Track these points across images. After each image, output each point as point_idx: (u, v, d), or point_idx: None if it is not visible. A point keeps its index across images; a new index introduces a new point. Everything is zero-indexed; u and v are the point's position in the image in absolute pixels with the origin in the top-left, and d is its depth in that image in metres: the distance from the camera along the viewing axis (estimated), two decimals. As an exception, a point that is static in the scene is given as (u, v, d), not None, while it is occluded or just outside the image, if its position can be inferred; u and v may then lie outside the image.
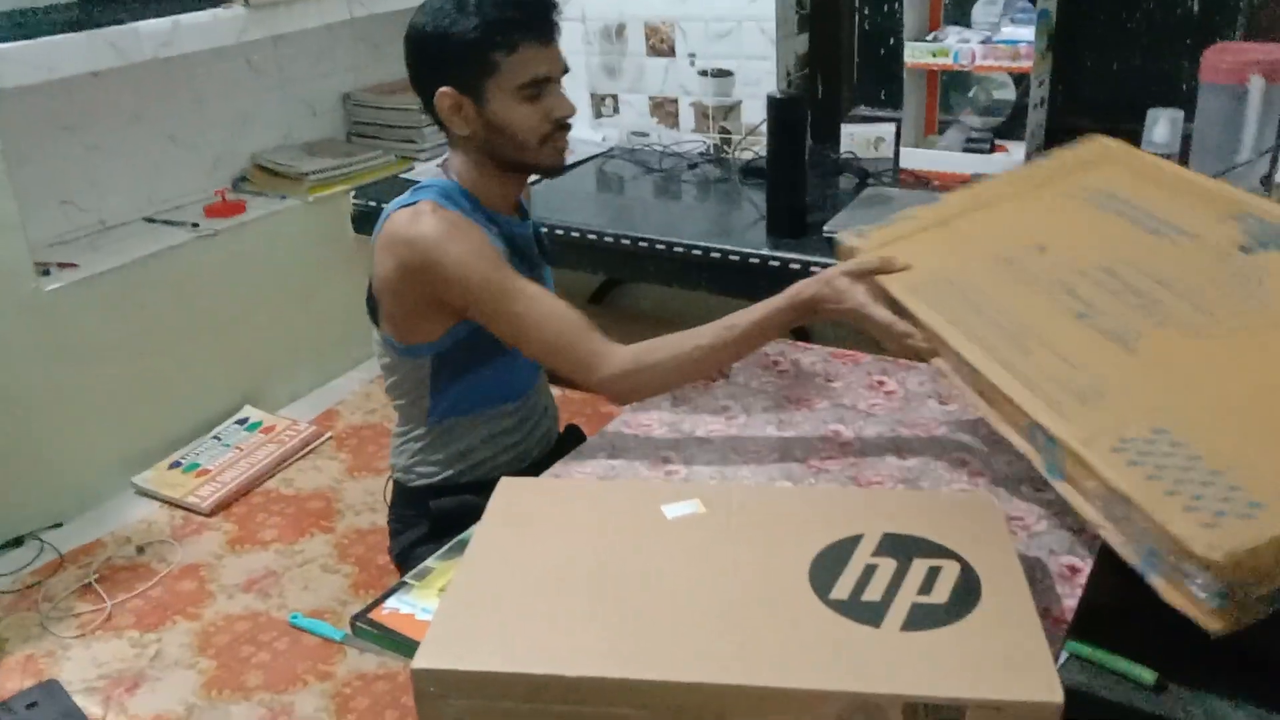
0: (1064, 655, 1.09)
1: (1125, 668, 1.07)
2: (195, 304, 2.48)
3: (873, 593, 0.89)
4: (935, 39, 2.22)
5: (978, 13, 2.24)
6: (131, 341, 2.36)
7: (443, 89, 1.35)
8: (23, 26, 2.13)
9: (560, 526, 1.02)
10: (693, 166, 2.51)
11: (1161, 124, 2.04)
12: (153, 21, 2.25)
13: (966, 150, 2.24)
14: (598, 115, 2.69)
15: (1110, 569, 1.08)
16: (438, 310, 1.38)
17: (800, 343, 1.59)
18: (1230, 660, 1.07)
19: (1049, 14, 2.14)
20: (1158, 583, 0.86)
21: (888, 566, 0.93)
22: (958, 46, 2.15)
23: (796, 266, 1.96)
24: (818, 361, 1.52)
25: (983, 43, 2.14)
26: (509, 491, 1.09)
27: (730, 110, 2.55)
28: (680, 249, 2.09)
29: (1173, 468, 0.88)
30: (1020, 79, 2.26)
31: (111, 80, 2.35)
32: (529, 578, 0.94)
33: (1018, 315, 1.11)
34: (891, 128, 2.38)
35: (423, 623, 1.04)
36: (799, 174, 2.01)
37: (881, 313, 1.19)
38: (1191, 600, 0.83)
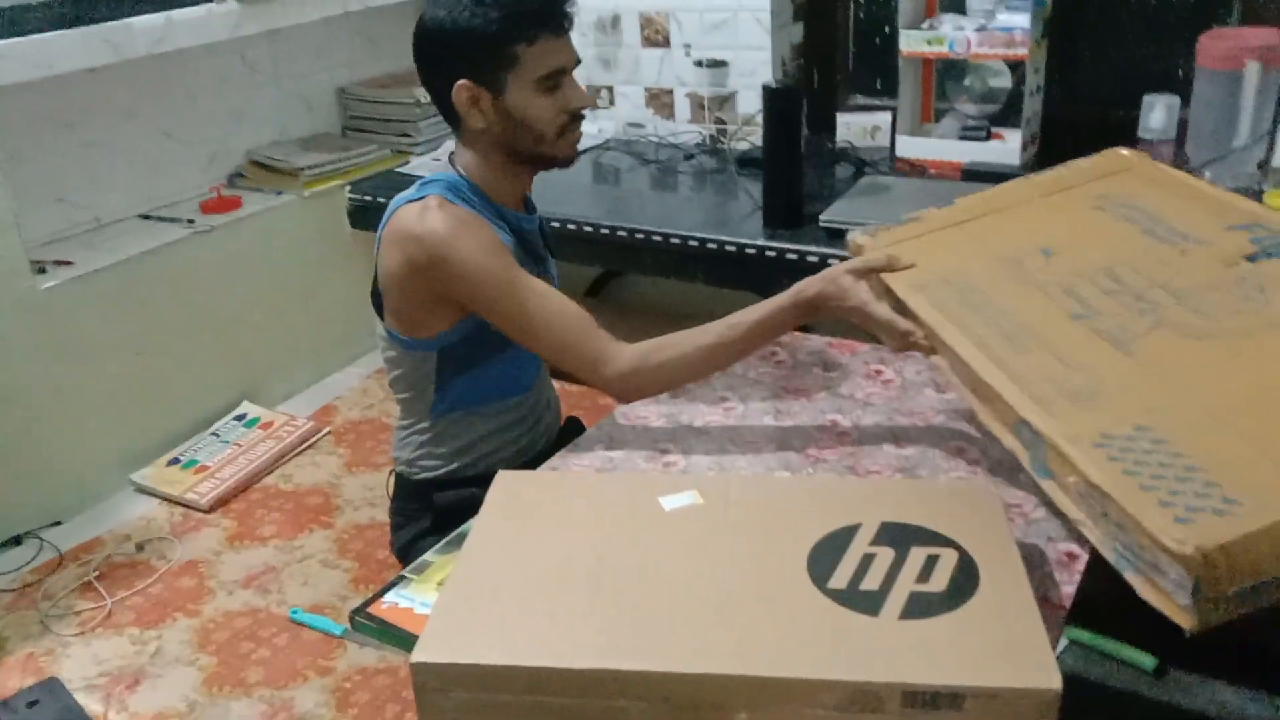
0: (1064, 642, 1.10)
1: (1125, 653, 1.07)
2: (192, 300, 2.47)
3: (871, 582, 0.90)
4: (930, 27, 2.21)
5: (973, 0, 2.24)
6: (128, 339, 2.36)
7: (461, 82, 1.34)
8: (16, 23, 2.12)
9: (558, 519, 1.02)
10: (689, 157, 2.50)
11: (1158, 110, 2.04)
12: (147, 17, 2.24)
13: (962, 138, 2.24)
14: (593, 107, 2.68)
15: (1108, 556, 1.08)
16: (444, 305, 1.38)
17: (798, 333, 1.59)
18: (1230, 645, 1.07)
19: (1044, 0, 2.13)
20: (1133, 578, 0.86)
21: (886, 555, 0.93)
22: (953, 34, 2.15)
23: (793, 257, 1.96)
24: (815, 351, 1.52)
25: (978, 30, 2.13)
26: (507, 485, 1.09)
27: (726, 101, 2.54)
28: (677, 240, 2.09)
29: (1151, 464, 0.88)
30: (1016, 66, 2.25)
31: (106, 77, 2.35)
32: (527, 571, 0.94)
33: (1016, 315, 1.11)
34: (887, 116, 2.38)
35: (421, 616, 1.04)
36: (795, 164, 2.00)
37: (883, 310, 1.20)
38: (1164, 596, 0.83)
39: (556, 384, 1.66)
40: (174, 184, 2.60)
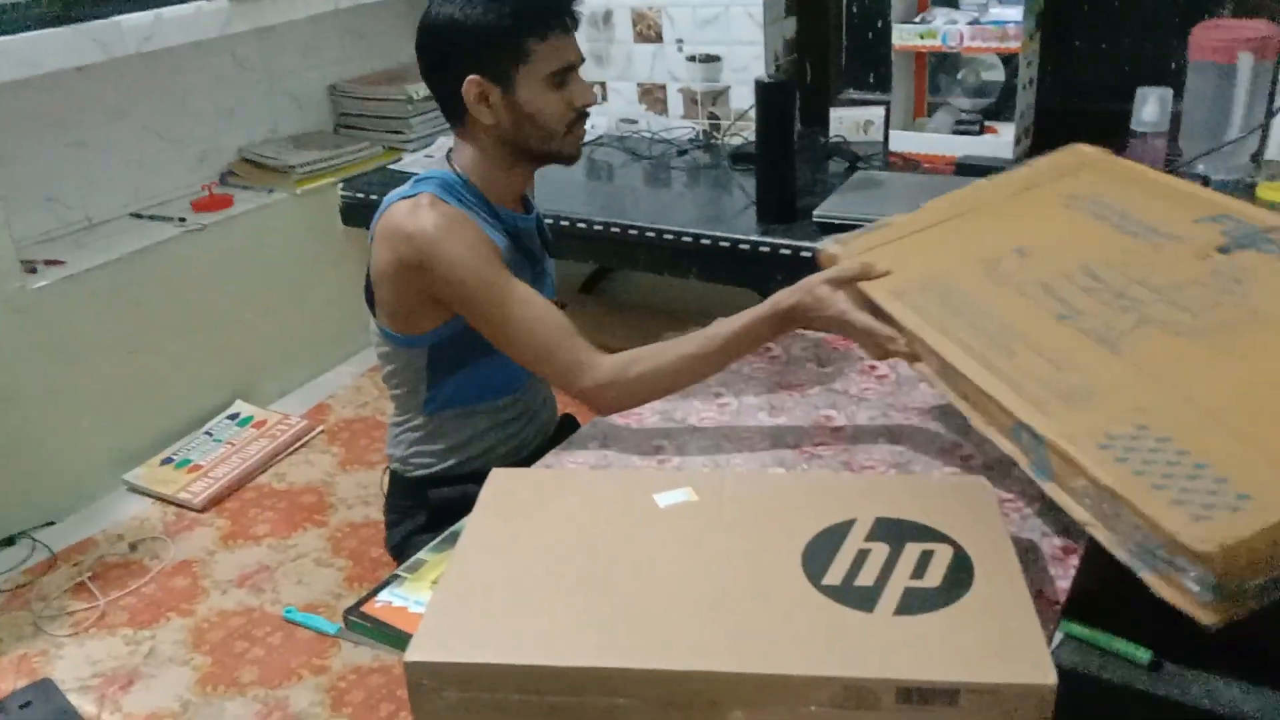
0: (1059, 636, 1.09)
1: (1121, 647, 1.07)
2: (184, 299, 2.47)
3: (866, 578, 0.89)
4: (923, 20, 2.21)
5: (965, -7, 2.24)
6: (120, 338, 2.35)
7: (471, 77, 1.34)
8: (2, 22, 2.11)
9: (552, 516, 1.02)
10: (682, 153, 2.50)
11: (1151, 103, 2.04)
12: (135, 15, 2.23)
13: (956, 132, 2.24)
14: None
15: (1103, 550, 1.08)
16: (432, 304, 1.37)
17: (792, 328, 1.58)
18: (1227, 639, 1.07)
19: (1037, -6, 2.13)
20: (1150, 578, 0.86)
21: (880, 551, 0.93)
22: (946, 28, 2.15)
23: (787, 252, 1.96)
24: (809, 347, 1.52)
25: (971, 24, 2.13)
26: (500, 482, 1.08)
27: (719, 96, 2.54)
28: (670, 236, 2.08)
29: (1159, 462, 0.88)
30: (1009, 60, 2.25)
31: (95, 75, 2.34)
32: (522, 569, 0.94)
33: (999, 317, 1.11)
34: (881, 111, 2.38)
35: (415, 615, 1.04)
36: (788, 159, 2.00)
37: (863, 318, 1.19)
38: (1185, 594, 0.83)
39: (552, 381, 1.65)
40: (165, 182, 2.59)
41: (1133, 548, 0.87)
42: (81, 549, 2.20)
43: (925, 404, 1.34)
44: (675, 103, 2.60)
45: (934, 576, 0.89)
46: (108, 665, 1.88)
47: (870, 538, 0.94)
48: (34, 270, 2.23)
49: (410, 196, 1.36)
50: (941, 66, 2.37)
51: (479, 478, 1.10)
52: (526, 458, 1.51)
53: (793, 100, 1.98)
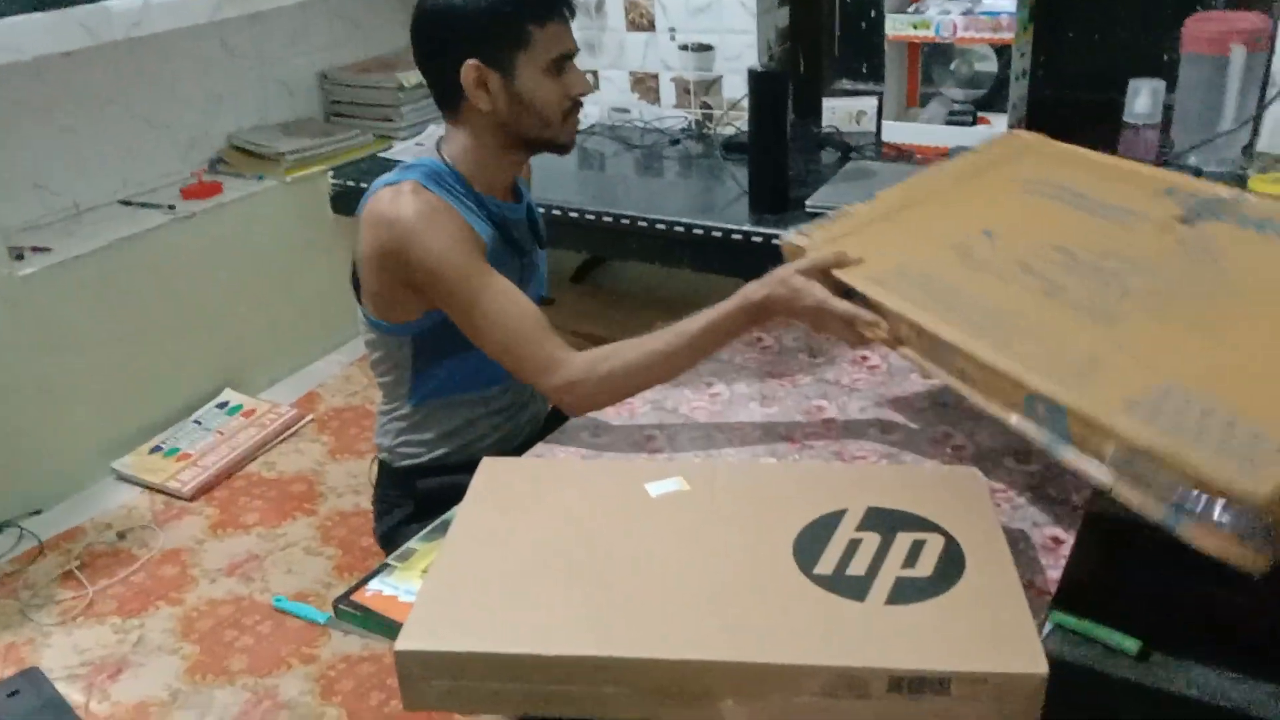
0: (1049, 626, 1.10)
1: (1109, 637, 1.08)
2: (173, 287, 2.45)
3: (857, 567, 0.89)
4: (916, 11, 2.20)
5: (959, -16, 2.23)
6: (108, 326, 2.34)
7: (470, 62, 1.33)
8: (-13, 6, 2.09)
9: (543, 505, 1.02)
10: (674, 143, 2.49)
11: (1143, 94, 2.04)
12: (123, 0, 2.21)
13: (949, 123, 2.24)
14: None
15: (1093, 540, 1.08)
16: (413, 293, 1.36)
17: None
18: (1214, 628, 1.08)
19: (1030, -15, 2.13)
20: (1189, 531, 0.86)
21: (872, 541, 0.93)
22: (939, 18, 2.14)
23: (779, 242, 1.95)
24: (800, 337, 1.52)
25: (964, 14, 2.12)
26: (491, 471, 1.08)
27: (711, 85, 2.53)
28: (662, 226, 2.08)
29: (1190, 420, 0.88)
30: (1002, 51, 2.25)
31: (83, 61, 2.32)
32: (512, 558, 0.94)
33: (986, 299, 1.10)
34: (873, 101, 2.37)
35: (405, 604, 1.03)
36: (781, 149, 1.99)
37: (844, 305, 1.18)
38: (1232, 543, 0.83)
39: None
40: (154, 169, 2.57)
41: (1167, 505, 0.87)
42: (70, 537, 2.19)
43: (917, 394, 1.34)
44: (667, 92, 2.59)
45: (925, 566, 0.89)
46: (96, 654, 1.87)
47: (862, 527, 0.95)
48: (21, 257, 2.21)
49: (394, 183, 1.35)
50: (934, 57, 2.36)
51: (467, 468, 1.09)
52: (517, 448, 1.50)
53: (786, 90, 1.98)
